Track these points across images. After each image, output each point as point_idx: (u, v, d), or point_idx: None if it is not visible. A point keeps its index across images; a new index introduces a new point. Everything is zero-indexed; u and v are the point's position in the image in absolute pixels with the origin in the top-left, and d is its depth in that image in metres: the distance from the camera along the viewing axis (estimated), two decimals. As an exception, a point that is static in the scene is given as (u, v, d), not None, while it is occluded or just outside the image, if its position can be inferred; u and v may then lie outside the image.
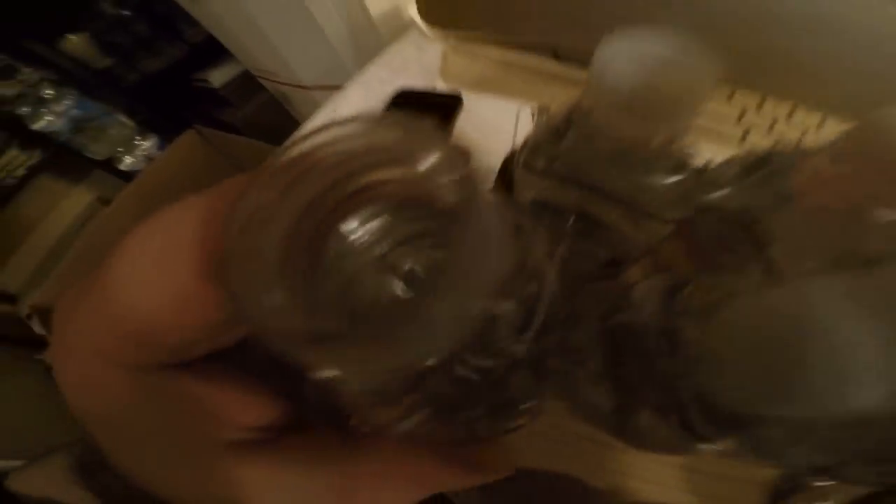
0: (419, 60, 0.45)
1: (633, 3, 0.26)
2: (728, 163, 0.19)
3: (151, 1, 1.16)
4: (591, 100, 0.16)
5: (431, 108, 0.41)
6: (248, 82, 1.06)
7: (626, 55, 0.15)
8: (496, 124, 0.28)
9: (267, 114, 1.10)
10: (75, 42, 1.10)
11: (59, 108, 1.07)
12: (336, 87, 0.73)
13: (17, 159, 1.15)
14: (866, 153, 0.14)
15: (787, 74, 0.27)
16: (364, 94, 0.45)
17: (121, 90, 1.15)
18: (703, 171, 0.18)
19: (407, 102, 0.42)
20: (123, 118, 1.20)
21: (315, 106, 0.84)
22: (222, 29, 0.88)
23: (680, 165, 0.17)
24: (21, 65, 1.03)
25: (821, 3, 0.24)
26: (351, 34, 0.73)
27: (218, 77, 1.17)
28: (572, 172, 0.18)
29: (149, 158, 1.23)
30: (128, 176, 1.23)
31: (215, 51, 1.02)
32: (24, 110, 1.04)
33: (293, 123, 0.99)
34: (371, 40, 0.71)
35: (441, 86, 0.43)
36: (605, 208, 0.18)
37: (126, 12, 1.15)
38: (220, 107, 1.23)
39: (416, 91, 0.42)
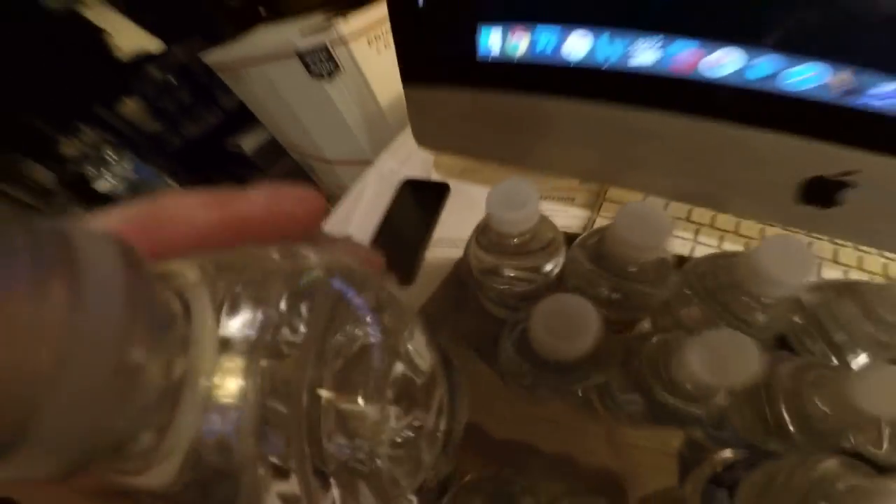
0: (419, 153, 0.62)
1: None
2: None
3: (192, 69, 1.27)
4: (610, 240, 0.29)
5: (428, 192, 0.57)
6: (276, 149, 1.24)
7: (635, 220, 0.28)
8: (477, 202, 0.43)
9: (292, 179, 1.28)
10: (130, 106, 1.23)
11: (120, 171, 1.24)
12: (352, 162, 0.92)
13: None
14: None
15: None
16: (379, 180, 0.62)
17: (167, 154, 1.33)
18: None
19: (411, 188, 0.58)
20: (170, 181, 1.37)
21: (335, 176, 1.02)
22: (258, 105, 1.07)
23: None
24: (83, 125, 1.15)
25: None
26: (364, 119, 0.91)
27: (249, 143, 1.36)
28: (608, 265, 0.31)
29: None
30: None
31: (246, 117, 1.18)
32: (90, 171, 1.20)
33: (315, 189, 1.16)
34: (381, 124, 0.89)
35: (435, 175, 0.60)
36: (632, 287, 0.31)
37: (171, 79, 1.27)
38: (248, 170, 1.41)
39: (416, 180, 0.59)
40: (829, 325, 0.28)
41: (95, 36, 0.98)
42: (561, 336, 0.23)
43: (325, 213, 0.13)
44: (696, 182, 0.36)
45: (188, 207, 0.13)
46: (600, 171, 0.40)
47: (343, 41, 0.75)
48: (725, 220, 0.41)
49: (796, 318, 0.29)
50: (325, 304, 0.12)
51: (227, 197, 0.13)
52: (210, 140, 1.39)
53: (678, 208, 0.42)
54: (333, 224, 0.58)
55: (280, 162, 1.30)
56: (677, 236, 0.40)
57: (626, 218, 0.26)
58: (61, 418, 0.07)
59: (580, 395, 0.32)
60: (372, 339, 0.12)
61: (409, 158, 0.64)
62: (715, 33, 0.27)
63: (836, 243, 0.39)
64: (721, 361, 0.22)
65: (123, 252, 0.09)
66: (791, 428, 0.25)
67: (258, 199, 0.14)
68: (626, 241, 0.25)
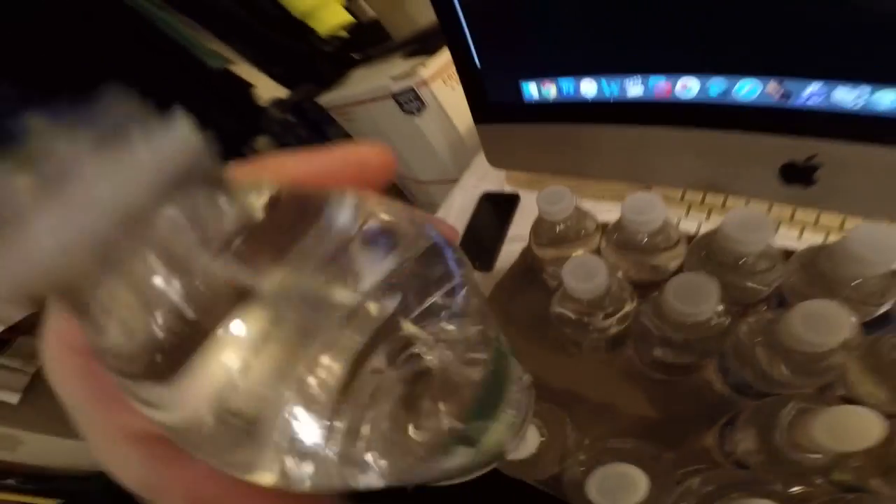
0: (493, 171, 0.76)
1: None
2: None
3: (303, 108, 1.37)
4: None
5: (502, 202, 0.71)
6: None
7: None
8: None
9: (391, 196, 1.47)
10: (262, 143, 1.36)
11: None
12: (441, 181, 1.08)
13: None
14: None
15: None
16: (463, 195, 0.77)
17: None
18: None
19: (488, 200, 0.72)
20: None
21: (428, 195, 1.19)
22: (363, 137, 1.28)
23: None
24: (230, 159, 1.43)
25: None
26: (448, 145, 1.07)
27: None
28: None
29: None
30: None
31: None
32: None
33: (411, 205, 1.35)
34: (461, 148, 1.04)
35: (507, 187, 0.73)
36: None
37: (290, 117, 1.38)
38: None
39: (492, 193, 0.73)
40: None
41: (244, 88, 1.22)
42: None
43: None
44: (704, 175, 0.46)
45: (282, 161, 0.15)
46: (631, 174, 0.51)
47: (425, 83, 0.92)
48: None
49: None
50: (423, 244, 0.13)
51: (313, 152, 0.16)
52: None
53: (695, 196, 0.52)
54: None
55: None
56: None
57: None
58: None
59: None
60: (456, 282, 0.13)
61: (485, 175, 0.78)
62: (672, 68, 0.38)
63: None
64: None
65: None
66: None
67: (337, 151, 0.16)
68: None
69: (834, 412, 0.24)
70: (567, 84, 0.45)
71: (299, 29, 1.14)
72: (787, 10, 0.32)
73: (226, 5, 1.11)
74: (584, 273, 0.35)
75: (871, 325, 0.33)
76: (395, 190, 1.38)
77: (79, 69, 0.70)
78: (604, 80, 0.42)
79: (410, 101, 1.00)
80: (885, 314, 0.34)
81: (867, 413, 0.23)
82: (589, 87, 0.44)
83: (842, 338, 0.27)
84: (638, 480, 0.28)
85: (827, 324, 0.27)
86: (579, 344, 0.43)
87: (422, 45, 0.99)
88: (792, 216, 0.46)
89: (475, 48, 0.48)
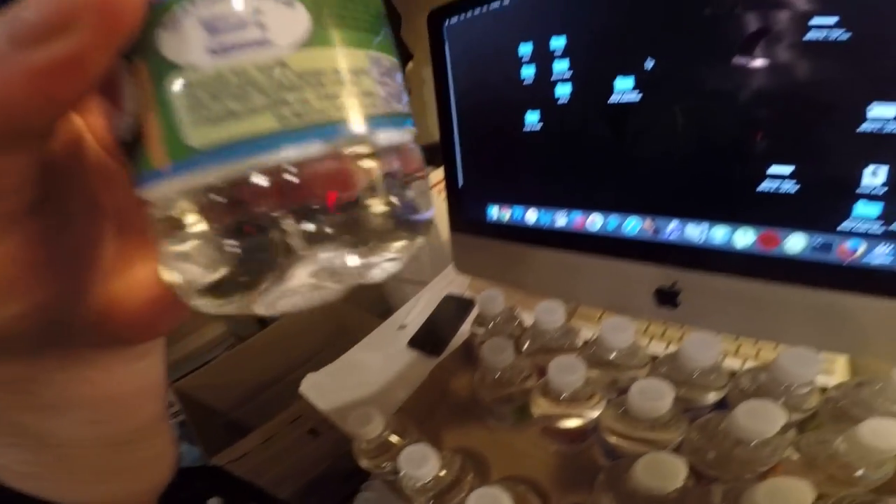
0: (461, 277, 0.89)
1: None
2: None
3: None
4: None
5: (461, 304, 0.83)
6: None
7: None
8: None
9: (367, 290, 1.58)
10: None
11: None
12: (418, 282, 1.21)
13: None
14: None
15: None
16: (431, 293, 0.89)
17: None
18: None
19: (449, 300, 0.85)
20: None
21: (402, 291, 1.32)
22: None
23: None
24: None
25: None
26: (430, 249, 1.22)
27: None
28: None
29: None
30: (263, 320, 1.71)
31: None
32: None
33: (385, 301, 1.47)
34: (441, 254, 1.19)
35: (468, 292, 0.86)
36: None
37: None
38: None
39: (454, 295, 0.86)
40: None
41: None
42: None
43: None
44: (606, 297, 0.59)
45: None
46: (561, 292, 0.64)
47: None
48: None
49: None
50: None
51: None
52: None
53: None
54: (398, 318, 0.85)
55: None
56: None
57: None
58: None
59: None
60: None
61: (453, 281, 0.91)
62: (585, 206, 0.54)
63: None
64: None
65: None
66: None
67: None
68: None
69: (771, 483, 0.31)
70: (517, 211, 0.60)
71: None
72: (651, 165, 0.48)
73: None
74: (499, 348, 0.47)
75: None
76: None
77: None
78: (541, 211, 0.58)
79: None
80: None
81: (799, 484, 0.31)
82: (531, 215, 0.59)
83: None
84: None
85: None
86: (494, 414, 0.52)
87: (430, 156, 1.19)
88: (663, 333, 0.60)
89: (461, 170, 0.64)
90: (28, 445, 0.18)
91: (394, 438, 0.46)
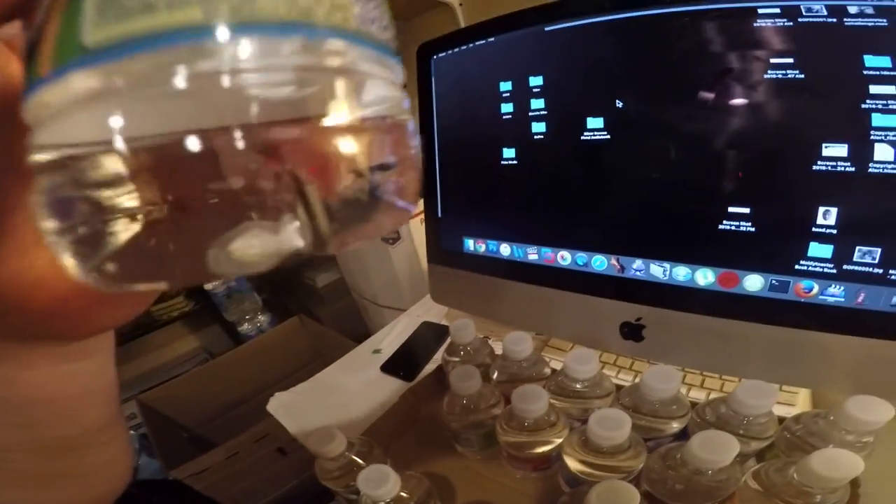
0: (438, 307, 0.90)
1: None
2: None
3: None
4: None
5: (436, 331, 0.83)
6: (341, 287, 1.58)
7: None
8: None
9: (347, 314, 1.58)
10: None
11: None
12: (396, 309, 1.21)
13: (175, 306, 1.67)
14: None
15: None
16: (408, 319, 0.90)
17: (260, 275, 1.68)
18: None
19: (426, 327, 0.85)
20: (256, 295, 1.73)
21: (381, 316, 1.31)
22: (341, 254, 1.43)
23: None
24: None
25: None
26: (410, 276, 1.23)
27: (322, 279, 1.72)
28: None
29: (261, 330, 1.71)
30: (238, 338, 1.70)
31: (326, 259, 1.55)
32: None
33: (363, 325, 1.46)
34: (421, 281, 1.20)
35: (444, 320, 0.87)
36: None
37: None
38: (316, 301, 1.75)
39: (430, 323, 0.86)
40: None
41: None
42: None
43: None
44: (574, 331, 0.60)
45: None
46: (533, 325, 0.65)
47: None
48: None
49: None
50: None
51: None
52: (292, 271, 1.75)
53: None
54: (374, 342, 0.85)
55: (342, 299, 1.63)
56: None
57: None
58: None
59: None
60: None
61: (431, 309, 0.92)
62: (552, 243, 0.55)
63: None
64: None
65: None
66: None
67: None
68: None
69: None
70: (492, 244, 0.62)
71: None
72: (618, 204, 0.50)
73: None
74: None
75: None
76: (353, 306, 1.50)
77: None
78: (515, 247, 0.59)
79: (391, 233, 1.18)
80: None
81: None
82: (505, 249, 0.61)
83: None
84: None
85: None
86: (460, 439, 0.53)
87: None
88: (631, 365, 0.61)
89: (440, 200, 0.66)
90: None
91: (358, 459, 0.46)
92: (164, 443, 1.13)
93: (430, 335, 0.83)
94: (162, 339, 1.77)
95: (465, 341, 0.58)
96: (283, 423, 0.69)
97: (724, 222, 0.45)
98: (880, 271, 0.40)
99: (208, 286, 1.60)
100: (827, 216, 0.41)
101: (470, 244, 0.65)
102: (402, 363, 0.76)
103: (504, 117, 0.56)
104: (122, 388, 0.22)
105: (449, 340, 0.61)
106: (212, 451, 1.05)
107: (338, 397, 0.73)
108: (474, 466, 0.54)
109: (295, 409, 0.72)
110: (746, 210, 0.44)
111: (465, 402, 0.50)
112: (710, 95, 0.43)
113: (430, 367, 0.73)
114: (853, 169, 0.39)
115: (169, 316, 1.67)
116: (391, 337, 0.87)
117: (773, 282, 0.44)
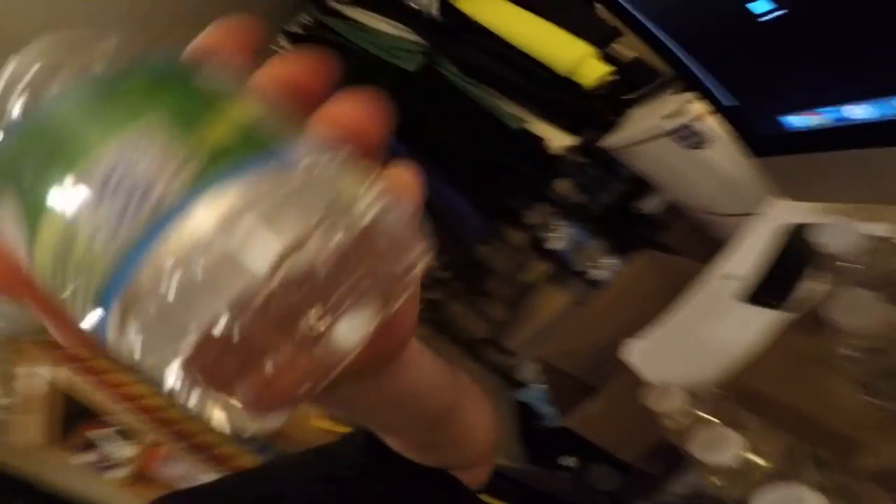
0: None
1: None
2: None
3: (594, 151, 1.50)
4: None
5: (801, 240, 0.63)
6: (675, 208, 1.42)
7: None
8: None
9: (693, 235, 1.40)
10: (563, 185, 1.63)
11: (563, 233, 1.68)
12: (738, 215, 1.02)
13: (537, 268, 1.85)
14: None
15: None
16: (764, 228, 0.72)
17: (592, 219, 1.67)
18: None
19: (786, 234, 0.66)
20: (594, 241, 1.73)
21: (726, 228, 1.12)
22: (651, 175, 1.31)
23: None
24: (537, 202, 1.65)
25: None
26: (743, 175, 0.99)
27: (649, 205, 1.58)
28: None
29: (612, 273, 1.70)
30: (594, 284, 1.74)
31: (646, 184, 1.43)
32: (543, 234, 1.70)
33: (713, 242, 1.27)
34: (751, 184, 0.95)
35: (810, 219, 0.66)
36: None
37: (582, 160, 1.57)
38: (655, 229, 1.62)
39: (789, 227, 0.66)
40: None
41: (538, 141, 1.42)
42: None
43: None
44: None
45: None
46: None
47: (700, 118, 0.92)
48: None
49: None
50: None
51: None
52: (619, 206, 1.67)
53: None
54: (724, 265, 0.74)
55: (680, 219, 1.46)
56: None
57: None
58: None
59: None
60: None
61: (782, 210, 0.71)
62: None
63: None
64: None
65: None
66: None
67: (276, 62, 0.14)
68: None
69: None
70: (829, 111, 0.43)
71: (569, 84, 1.29)
72: None
73: (504, 73, 1.37)
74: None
75: None
76: (696, 224, 1.33)
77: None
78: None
79: (689, 137, 0.99)
80: None
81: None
82: (853, 110, 0.41)
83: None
84: None
85: None
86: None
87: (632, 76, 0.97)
88: None
89: (719, 88, 0.51)
90: (383, 434, 0.26)
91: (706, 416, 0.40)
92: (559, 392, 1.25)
93: (792, 245, 0.65)
94: (538, 300, 1.98)
95: (846, 249, 0.41)
96: (642, 371, 0.67)
97: None
98: None
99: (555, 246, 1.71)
100: None
101: (794, 120, 0.47)
102: (765, 287, 0.63)
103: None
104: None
105: (822, 250, 0.44)
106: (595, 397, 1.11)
107: (695, 341, 0.66)
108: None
109: (651, 356, 0.69)
110: None
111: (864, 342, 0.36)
112: None
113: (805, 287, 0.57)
114: None
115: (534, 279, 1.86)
116: (740, 256, 0.72)
117: None
